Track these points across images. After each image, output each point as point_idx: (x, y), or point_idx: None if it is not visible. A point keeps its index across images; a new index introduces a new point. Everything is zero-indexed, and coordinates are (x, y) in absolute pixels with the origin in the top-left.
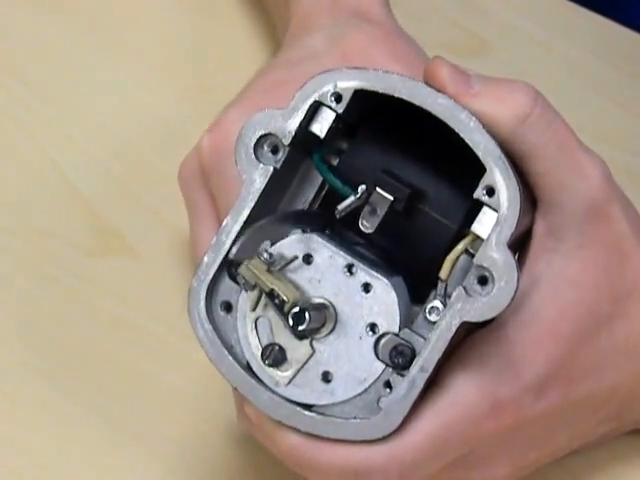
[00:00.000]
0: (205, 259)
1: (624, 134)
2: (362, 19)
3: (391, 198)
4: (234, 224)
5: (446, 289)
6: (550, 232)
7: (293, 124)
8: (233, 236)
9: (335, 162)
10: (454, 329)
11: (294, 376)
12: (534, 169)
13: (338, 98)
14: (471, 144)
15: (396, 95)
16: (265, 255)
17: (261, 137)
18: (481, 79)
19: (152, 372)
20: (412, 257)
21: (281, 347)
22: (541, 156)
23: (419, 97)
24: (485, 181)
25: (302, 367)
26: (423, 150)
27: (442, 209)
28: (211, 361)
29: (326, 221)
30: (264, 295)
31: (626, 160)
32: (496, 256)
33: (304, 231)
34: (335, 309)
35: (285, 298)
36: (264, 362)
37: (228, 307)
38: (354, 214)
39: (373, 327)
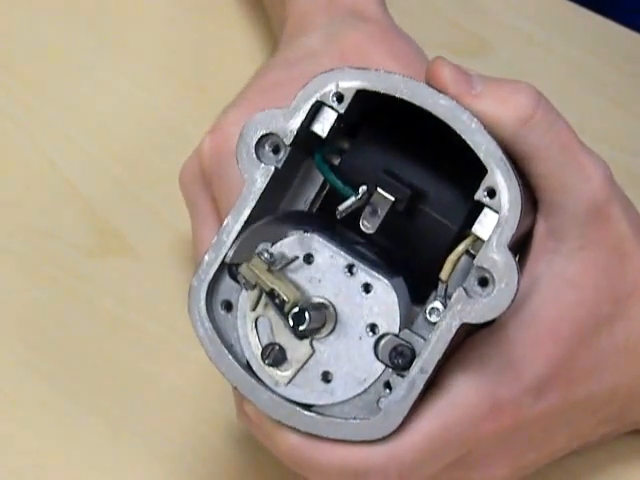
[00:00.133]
0: (206, 258)
1: (624, 134)
2: (358, 18)
3: (392, 199)
4: (235, 224)
5: (446, 290)
6: (551, 233)
7: (295, 124)
8: (234, 236)
9: (336, 162)
10: (454, 330)
11: (294, 376)
12: (536, 170)
13: (340, 98)
14: (472, 145)
15: (397, 95)
16: (266, 255)
17: (262, 137)
18: (483, 79)
19: (152, 372)
20: (413, 258)
21: (281, 347)
22: (543, 158)
23: (420, 98)
24: (486, 182)
25: (302, 367)
26: (424, 150)
27: (443, 210)
28: (211, 360)
29: (327, 221)
30: (264, 294)
31: (626, 160)
32: (497, 258)
33: (305, 231)
34: (335, 309)
35: (285, 298)
36: (264, 362)
37: (228, 306)
38: (355, 214)
39: (373, 327)
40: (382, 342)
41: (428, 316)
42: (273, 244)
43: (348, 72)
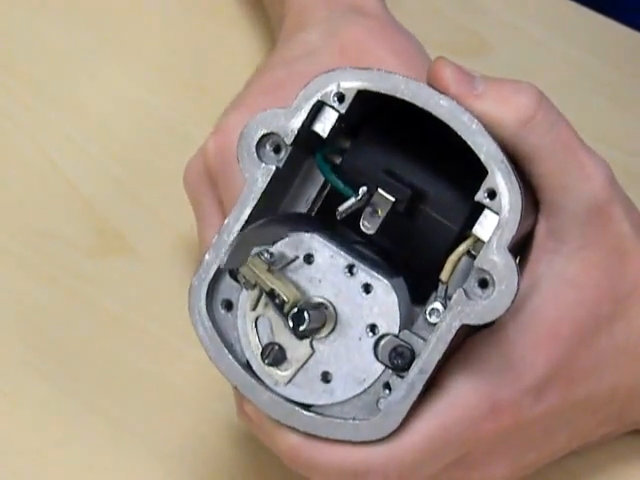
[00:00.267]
0: (206, 257)
1: (624, 134)
2: (358, 13)
3: (393, 199)
4: (235, 223)
5: (447, 291)
6: (551, 233)
7: (296, 123)
8: (234, 236)
9: (337, 162)
10: (454, 331)
11: (294, 376)
12: (537, 171)
13: (341, 98)
14: (473, 147)
15: (399, 96)
16: (266, 254)
17: (263, 136)
18: (485, 80)
19: (152, 372)
20: (413, 258)
21: (281, 346)
22: (544, 158)
23: (421, 98)
24: (487, 184)
25: (302, 367)
26: (425, 151)
27: (444, 210)
28: (211, 359)
29: (327, 221)
30: (264, 294)
31: (625, 160)
32: (497, 259)
33: (305, 231)
34: (335, 309)
35: (285, 298)
36: (264, 361)
37: (229, 305)
38: (355, 215)
39: (373, 328)
40: (382, 342)
41: (428, 317)
42: (273, 244)
43: (349, 72)
